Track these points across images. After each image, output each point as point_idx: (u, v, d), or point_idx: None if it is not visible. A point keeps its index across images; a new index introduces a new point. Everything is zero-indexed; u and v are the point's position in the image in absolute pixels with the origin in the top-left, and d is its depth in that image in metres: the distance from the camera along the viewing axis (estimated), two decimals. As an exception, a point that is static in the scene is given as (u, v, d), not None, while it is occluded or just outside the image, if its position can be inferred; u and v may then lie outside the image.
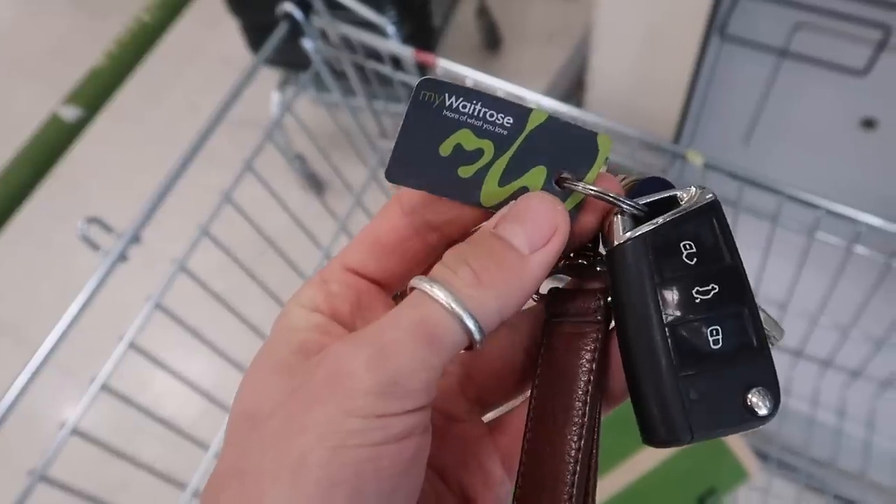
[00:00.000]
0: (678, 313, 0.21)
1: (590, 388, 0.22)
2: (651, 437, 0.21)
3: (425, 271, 0.24)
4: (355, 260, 0.23)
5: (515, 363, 0.25)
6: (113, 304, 0.67)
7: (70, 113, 0.51)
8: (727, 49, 0.86)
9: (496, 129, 0.22)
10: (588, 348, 0.22)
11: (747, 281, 0.21)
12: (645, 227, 0.21)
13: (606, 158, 0.22)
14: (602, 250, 0.24)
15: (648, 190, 0.23)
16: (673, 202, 0.22)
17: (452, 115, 0.22)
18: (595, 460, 0.22)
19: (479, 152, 0.22)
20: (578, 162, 0.22)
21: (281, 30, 0.60)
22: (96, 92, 0.53)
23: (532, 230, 0.21)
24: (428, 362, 0.19)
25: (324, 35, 0.64)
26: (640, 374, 0.21)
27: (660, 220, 0.21)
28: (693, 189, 0.22)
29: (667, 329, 0.21)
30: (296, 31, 0.60)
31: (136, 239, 0.50)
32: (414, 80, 0.63)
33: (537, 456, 0.22)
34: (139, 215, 0.51)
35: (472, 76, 0.59)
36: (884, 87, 0.77)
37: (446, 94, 0.22)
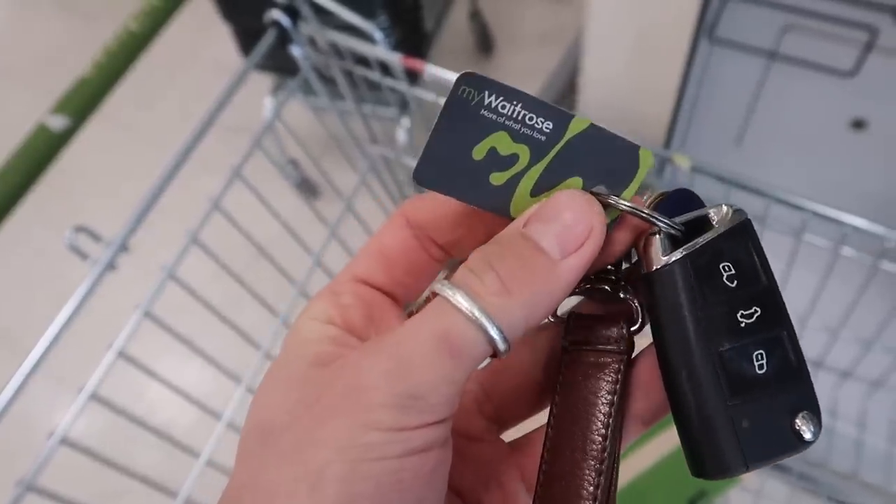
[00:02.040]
0: (724, 338, 0.20)
1: (610, 421, 0.21)
2: (703, 469, 0.20)
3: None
4: (364, 271, 0.23)
5: (533, 380, 0.24)
6: (108, 313, 0.67)
7: (57, 122, 0.51)
8: (717, 52, 0.86)
9: (534, 134, 0.20)
10: (608, 379, 0.21)
11: (783, 301, 0.21)
12: (688, 248, 0.21)
13: (646, 174, 0.21)
14: (624, 271, 0.23)
15: (677, 204, 0.22)
16: (705, 221, 0.21)
17: (490, 115, 0.20)
18: (613, 494, 0.21)
19: (514, 158, 0.21)
20: (616, 175, 0.21)
21: (269, 37, 0.60)
22: (83, 101, 0.53)
23: (564, 232, 0.19)
24: (450, 376, 0.18)
25: (312, 41, 0.64)
26: (688, 405, 0.20)
27: (700, 240, 0.21)
28: (724, 208, 0.21)
29: (714, 355, 0.20)
30: (284, 37, 0.61)
31: (124, 247, 0.50)
32: (402, 86, 0.63)
33: (552, 490, 0.21)
34: (127, 223, 0.51)
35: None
36: (872, 88, 0.78)
37: (486, 92, 0.20)
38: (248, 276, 0.61)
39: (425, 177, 0.20)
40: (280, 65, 1.11)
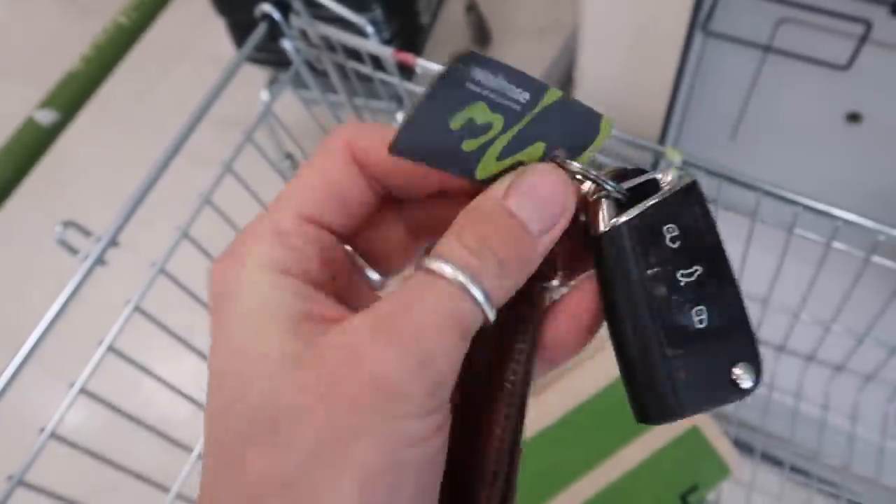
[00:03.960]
0: (664, 296, 0.21)
1: (519, 368, 0.22)
2: (644, 415, 0.22)
3: (376, 222, 0.23)
4: (313, 208, 0.21)
5: None
6: (100, 308, 0.67)
7: (46, 116, 0.51)
8: (711, 45, 0.86)
9: (510, 105, 0.21)
10: (520, 331, 0.22)
11: (728, 261, 0.22)
12: (631, 213, 0.22)
13: (603, 142, 0.22)
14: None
15: (629, 177, 0.23)
16: (652, 186, 0.23)
17: (475, 87, 0.20)
18: (519, 438, 0.22)
19: (488, 126, 0.21)
20: (577, 141, 0.22)
21: (260, 30, 0.60)
22: (72, 95, 0.52)
23: (544, 211, 0.20)
24: (462, 355, 0.19)
25: (304, 35, 0.63)
26: (632, 356, 0.22)
27: (644, 204, 0.22)
28: (672, 172, 0.22)
29: (654, 312, 0.21)
30: (275, 31, 0.60)
31: (114, 243, 0.50)
32: (394, 80, 0.63)
33: (465, 432, 0.22)
34: (116, 219, 0.51)
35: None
36: (867, 81, 0.77)
37: (475, 66, 0.20)
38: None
39: (402, 148, 0.20)
40: (275, 58, 1.11)
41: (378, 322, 0.18)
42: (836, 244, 0.56)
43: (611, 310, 0.22)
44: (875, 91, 0.80)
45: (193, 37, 1.58)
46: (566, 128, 0.22)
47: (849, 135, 0.86)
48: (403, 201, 0.24)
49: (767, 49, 0.79)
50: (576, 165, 0.22)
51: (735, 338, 0.22)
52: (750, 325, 0.22)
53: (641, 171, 0.23)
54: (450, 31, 1.50)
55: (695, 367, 0.21)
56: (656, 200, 0.22)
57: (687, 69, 0.85)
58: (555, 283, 0.23)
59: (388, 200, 0.23)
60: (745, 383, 0.22)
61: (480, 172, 0.22)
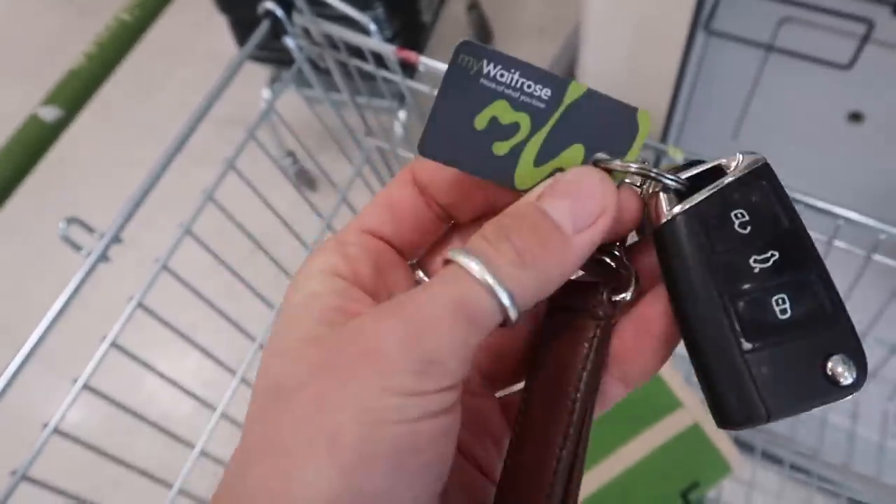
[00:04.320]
0: (738, 285, 0.20)
1: (581, 384, 0.21)
2: (725, 419, 0.20)
3: (438, 239, 0.24)
4: (372, 223, 0.23)
5: (527, 344, 0.25)
6: (103, 304, 0.67)
7: (49, 113, 0.51)
8: (713, 44, 0.86)
9: (533, 102, 0.21)
10: (585, 344, 0.21)
11: (812, 244, 0.20)
12: (690, 201, 0.21)
13: (646, 136, 0.21)
14: (627, 245, 0.23)
15: (691, 169, 0.22)
16: (718, 173, 0.21)
17: (490, 84, 0.20)
18: (581, 456, 0.21)
19: (515, 127, 0.21)
20: (617, 139, 0.21)
21: (262, 28, 0.60)
22: (76, 92, 0.53)
23: (579, 209, 0.20)
24: (465, 341, 0.18)
25: (307, 32, 0.64)
26: (705, 354, 0.20)
27: (706, 190, 0.21)
28: (739, 156, 0.21)
29: (727, 303, 0.20)
30: (278, 28, 0.60)
31: (117, 239, 0.50)
32: (397, 78, 0.63)
33: (523, 447, 0.21)
34: (119, 216, 0.51)
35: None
36: (868, 81, 0.78)
37: (485, 61, 0.20)
38: (243, 268, 0.61)
39: (430, 149, 0.21)
40: (277, 56, 1.11)
41: (388, 305, 0.19)
42: (837, 243, 0.56)
43: (680, 307, 0.21)
44: (877, 90, 0.80)
45: (195, 35, 1.58)
46: (601, 126, 0.21)
47: (850, 134, 0.87)
48: (465, 224, 0.24)
49: (769, 48, 0.79)
50: (619, 164, 0.21)
51: (826, 328, 0.19)
52: (845, 312, 0.20)
53: (702, 162, 0.22)
54: (451, 30, 1.50)
55: (780, 363, 0.19)
56: (720, 186, 0.21)
57: (689, 68, 0.85)
58: (627, 296, 0.22)
59: (454, 224, 0.24)
60: (845, 379, 0.19)
61: (519, 181, 0.21)
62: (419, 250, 0.24)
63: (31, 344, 0.47)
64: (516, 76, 0.20)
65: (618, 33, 0.94)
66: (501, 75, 0.20)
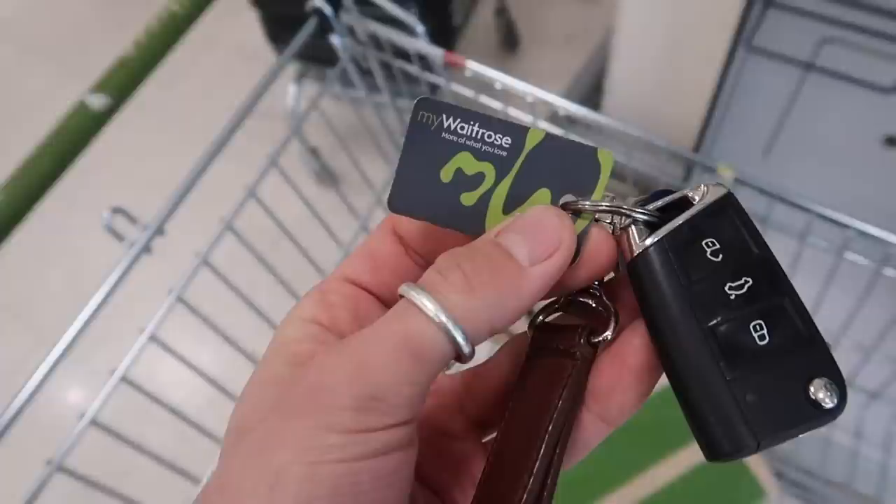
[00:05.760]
0: (715, 314, 0.20)
1: (549, 426, 0.21)
2: (713, 451, 0.20)
3: None
4: (353, 272, 0.23)
5: (511, 386, 0.24)
6: (128, 295, 0.67)
7: (97, 101, 0.51)
8: (752, 59, 0.85)
9: (495, 151, 0.21)
10: (560, 384, 0.21)
11: (781, 269, 0.20)
12: (663, 231, 0.21)
13: (609, 174, 0.22)
14: (606, 283, 0.23)
15: (657, 200, 0.22)
16: (685, 203, 0.21)
17: (451, 137, 0.21)
18: (549, 492, 0.21)
19: (481, 177, 0.21)
20: (581, 181, 0.22)
21: (309, 25, 0.59)
22: (124, 81, 0.52)
23: (535, 242, 0.20)
24: (411, 377, 0.18)
25: (351, 32, 0.63)
26: (688, 386, 0.20)
27: (677, 220, 0.21)
28: (703, 186, 0.21)
29: (706, 332, 0.19)
30: (325, 26, 0.60)
31: (160, 231, 0.50)
32: (441, 81, 0.63)
33: (490, 484, 0.21)
34: (163, 208, 0.50)
35: (501, 79, 0.58)
36: (910, 106, 0.77)
37: (444, 115, 0.21)
38: (271, 260, 0.61)
39: (399, 204, 0.22)
40: (309, 53, 1.11)
41: (339, 343, 0.19)
42: (849, 255, 0.55)
43: (660, 339, 0.20)
44: (917, 115, 0.79)
45: (221, 25, 1.58)
46: (564, 168, 0.22)
47: (885, 158, 0.86)
48: None
49: (809, 67, 0.79)
50: (587, 203, 0.21)
51: (804, 352, 0.19)
52: (819, 336, 0.20)
53: (669, 192, 0.22)
54: (479, 34, 1.50)
55: (764, 389, 0.19)
56: (688, 216, 0.21)
57: (726, 82, 0.84)
58: (609, 334, 0.22)
59: None
60: (828, 403, 0.19)
61: (489, 229, 0.21)
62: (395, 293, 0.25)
63: (71, 335, 0.46)
64: (475, 127, 0.21)
65: (651, 44, 0.93)
66: (462, 128, 0.21)
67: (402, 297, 0.19)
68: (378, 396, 0.18)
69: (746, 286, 0.20)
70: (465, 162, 0.21)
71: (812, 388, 0.19)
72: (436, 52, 0.59)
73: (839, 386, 0.19)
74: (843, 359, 0.70)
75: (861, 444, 0.75)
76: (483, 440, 0.25)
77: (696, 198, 0.21)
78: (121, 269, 0.48)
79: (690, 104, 0.94)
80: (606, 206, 0.21)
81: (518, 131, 0.21)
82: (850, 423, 0.76)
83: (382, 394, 0.18)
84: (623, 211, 0.21)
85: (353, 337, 0.19)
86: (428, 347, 0.18)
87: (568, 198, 0.21)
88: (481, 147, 0.21)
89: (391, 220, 0.23)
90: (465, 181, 0.21)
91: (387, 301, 0.24)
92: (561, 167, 0.21)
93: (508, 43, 1.48)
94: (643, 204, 0.22)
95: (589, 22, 1.51)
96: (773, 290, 0.20)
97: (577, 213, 0.21)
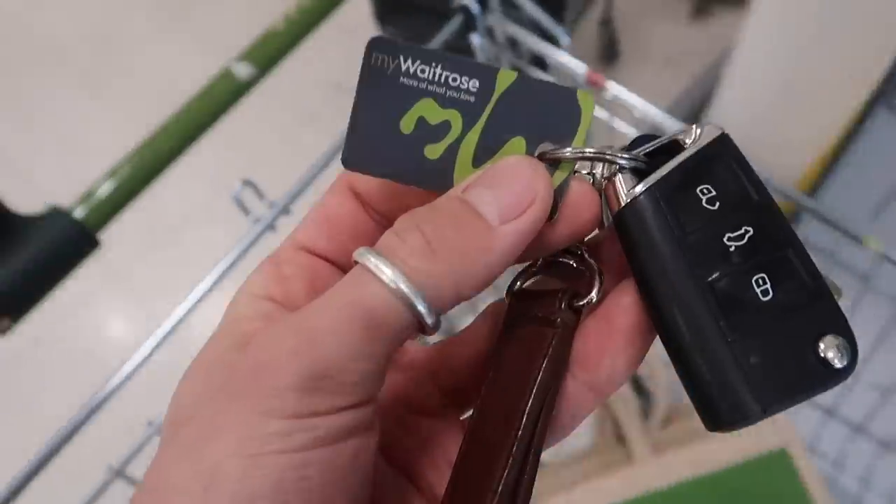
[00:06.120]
0: (713, 268, 0.18)
1: (530, 400, 0.19)
2: (714, 420, 0.18)
3: None
4: (308, 239, 0.21)
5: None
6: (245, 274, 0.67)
7: (243, 70, 0.51)
8: (882, 116, 0.81)
9: (462, 96, 0.19)
10: (540, 355, 0.19)
11: (783, 217, 0.18)
12: (650, 179, 0.19)
13: (591, 119, 0.19)
14: (590, 240, 0.21)
15: (642, 145, 0.20)
16: (676, 148, 0.20)
17: (411, 81, 0.19)
18: (528, 480, 0.19)
19: (446, 126, 0.19)
20: (560, 127, 0.19)
21: (454, 23, 0.58)
22: (270, 52, 0.52)
23: (505, 197, 0.18)
24: (365, 351, 0.16)
25: (489, 32, 0.62)
26: (685, 349, 0.18)
27: (668, 166, 0.19)
28: (695, 128, 0.19)
29: (704, 289, 0.18)
30: (469, 24, 0.59)
31: (286, 210, 0.49)
32: (575, 96, 0.61)
33: (470, 459, 0.19)
34: (293, 188, 0.50)
35: (644, 108, 0.56)
36: None
37: (402, 57, 0.19)
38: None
39: (355, 160, 0.19)
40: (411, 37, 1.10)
41: (287, 316, 0.17)
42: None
43: (652, 297, 0.18)
44: None
45: None
46: (540, 114, 0.19)
47: None
48: None
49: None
50: (567, 151, 0.19)
51: (811, 307, 0.17)
52: (827, 290, 0.18)
53: (654, 137, 0.20)
54: (580, 42, 1.47)
55: (769, 350, 0.17)
56: (680, 161, 0.19)
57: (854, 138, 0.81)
58: (593, 297, 0.20)
59: None
60: (838, 362, 0.17)
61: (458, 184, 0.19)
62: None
63: (179, 313, 0.46)
64: (438, 69, 0.19)
65: (775, 84, 0.90)
66: (422, 70, 0.19)
67: (356, 262, 0.17)
68: (326, 374, 0.16)
69: (747, 236, 0.18)
70: (427, 110, 0.19)
71: (822, 346, 0.17)
72: (579, 67, 0.57)
73: (850, 343, 0.17)
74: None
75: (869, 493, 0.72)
76: (461, 418, 0.22)
77: (688, 141, 0.19)
78: (244, 244, 0.48)
79: (804, 151, 0.91)
80: (591, 151, 0.19)
81: (487, 72, 0.19)
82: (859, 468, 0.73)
83: (331, 370, 0.16)
84: (608, 157, 0.19)
85: (302, 309, 0.17)
86: (384, 317, 0.16)
87: (545, 146, 0.19)
88: (445, 92, 0.19)
89: (346, 177, 0.21)
90: (429, 132, 0.19)
91: (347, 269, 0.21)
92: (537, 112, 0.19)
93: (608, 55, 1.45)
94: (629, 150, 0.20)
95: (694, 45, 1.47)
96: (776, 241, 0.18)
97: (555, 163, 0.19)
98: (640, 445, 0.62)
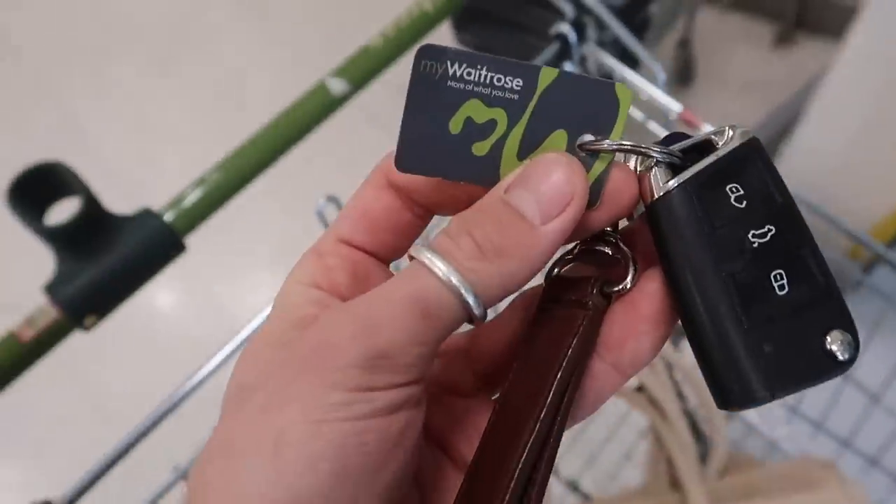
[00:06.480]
0: (737, 261, 0.19)
1: (558, 373, 0.20)
2: (727, 398, 0.19)
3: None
4: (347, 232, 0.22)
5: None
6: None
7: (337, 86, 0.51)
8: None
9: (506, 95, 0.20)
10: (571, 334, 0.21)
11: (803, 219, 0.20)
12: (684, 175, 0.20)
13: (628, 111, 0.20)
14: (624, 229, 0.23)
15: (676, 142, 0.21)
16: (708, 147, 0.21)
17: (458, 84, 0.20)
18: (551, 450, 0.20)
19: (492, 124, 0.20)
20: (599, 118, 0.20)
21: (550, 49, 0.57)
22: (365, 69, 0.52)
23: (545, 198, 0.19)
24: (421, 337, 0.18)
25: (582, 60, 0.61)
26: (704, 333, 0.20)
27: (701, 163, 0.20)
28: (728, 129, 0.21)
29: (726, 280, 0.19)
30: (563, 52, 0.58)
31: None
32: (664, 133, 0.60)
33: (499, 426, 0.21)
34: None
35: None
36: None
37: (448, 62, 0.20)
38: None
39: (407, 163, 0.20)
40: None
41: (346, 303, 0.19)
42: None
43: (678, 285, 0.20)
44: None
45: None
46: (580, 107, 0.20)
47: None
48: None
49: None
50: (606, 143, 0.20)
51: (822, 304, 0.19)
52: (836, 288, 0.20)
53: (686, 136, 0.21)
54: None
55: (781, 340, 0.19)
56: (712, 159, 0.20)
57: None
58: (627, 283, 0.21)
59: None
60: (842, 355, 0.19)
61: (504, 177, 0.21)
62: (401, 252, 0.23)
63: (255, 323, 0.46)
64: (483, 71, 0.20)
65: (861, 116, 0.86)
66: (468, 73, 0.20)
67: (412, 258, 0.19)
68: (385, 355, 0.18)
69: (770, 234, 0.20)
70: (474, 110, 0.20)
71: (829, 340, 0.19)
72: (673, 106, 0.56)
73: (854, 338, 0.19)
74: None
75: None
76: (492, 398, 0.24)
77: (720, 141, 0.21)
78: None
79: (887, 190, 0.87)
80: (629, 145, 0.20)
81: (530, 71, 0.20)
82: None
83: (390, 352, 0.18)
84: (645, 150, 0.20)
85: (361, 297, 0.19)
86: (438, 307, 0.18)
87: (586, 138, 0.20)
88: (491, 92, 0.20)
89: (383, 172, 0.22)
90: (476, 130, 0.20)
91: (385, 258, 0.23)
92: (577, 106, 0.20)
93: (683, 77, 1.42)
94: (664, 145, 0.21)
95: (774, 73, 1.43)
96: (795, 240, 0.20)
97: (595, 154, 0.20)
98: (697, 494, 0.61)
